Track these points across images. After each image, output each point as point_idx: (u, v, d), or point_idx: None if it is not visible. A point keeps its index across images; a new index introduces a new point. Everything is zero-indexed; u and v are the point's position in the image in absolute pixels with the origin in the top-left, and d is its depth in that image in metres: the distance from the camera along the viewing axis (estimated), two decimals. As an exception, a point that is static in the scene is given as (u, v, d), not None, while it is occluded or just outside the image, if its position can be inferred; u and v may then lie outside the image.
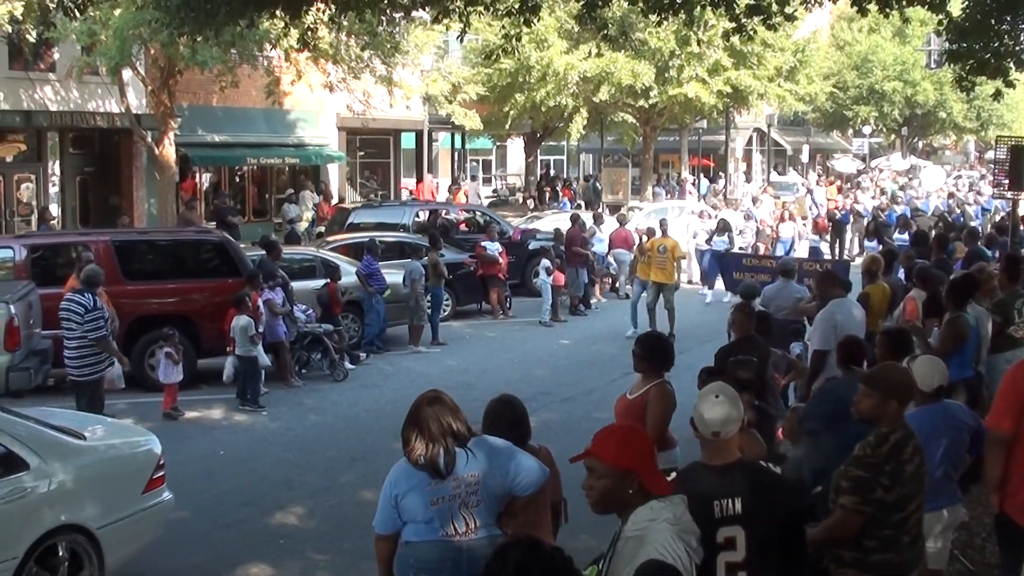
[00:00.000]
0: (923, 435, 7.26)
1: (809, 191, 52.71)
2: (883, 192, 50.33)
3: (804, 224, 42.04)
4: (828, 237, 41.94)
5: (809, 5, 18.80)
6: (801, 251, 34.36)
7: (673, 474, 6.21)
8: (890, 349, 9.82)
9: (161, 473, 11.01)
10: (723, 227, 31.95)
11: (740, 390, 9.53)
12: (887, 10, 17.28)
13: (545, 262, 27.20)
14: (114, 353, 15.88)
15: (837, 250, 39.64)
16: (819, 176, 69.73)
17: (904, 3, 17.60)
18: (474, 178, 59.74)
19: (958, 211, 41.34)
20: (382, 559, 7.19)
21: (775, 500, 6.00)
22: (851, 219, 41.18)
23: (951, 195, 50.37)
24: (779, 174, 69.08)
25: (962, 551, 10.02)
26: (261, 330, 19.07)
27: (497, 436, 7.36)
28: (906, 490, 6.80)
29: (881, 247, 25.14)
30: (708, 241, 32.06)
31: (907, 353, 9.62)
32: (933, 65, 59.95)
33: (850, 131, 78.06)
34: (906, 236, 29.21)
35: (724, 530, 5.83)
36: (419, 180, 51.80)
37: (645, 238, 26.71)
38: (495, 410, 7.75)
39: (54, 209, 35.03)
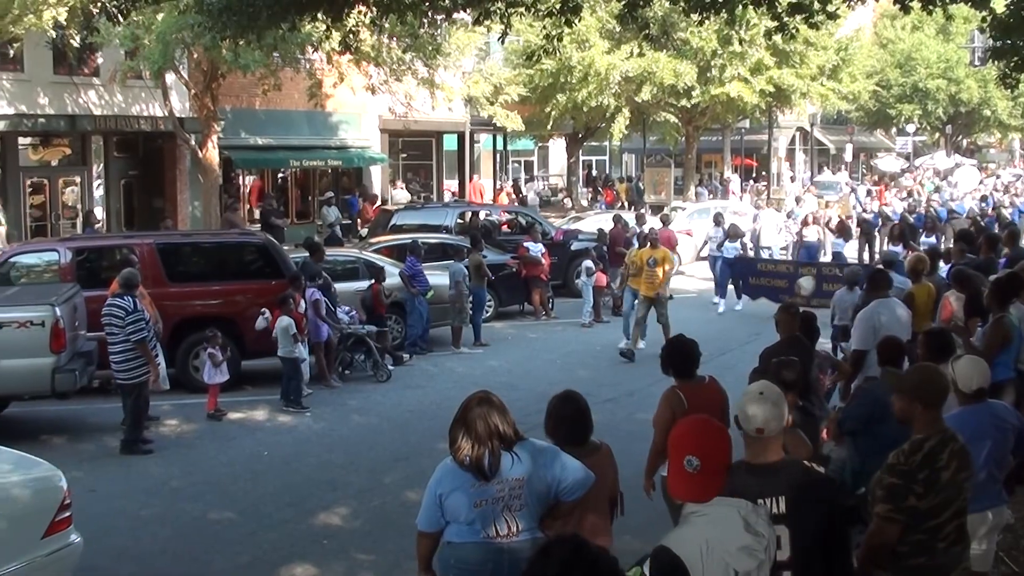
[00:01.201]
0: (966, 437, 7.18)
1: (853, 190, 52.35)
2: (910, 194, 47.97)
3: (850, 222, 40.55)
4: (857, 241, 39.20)
5: (851, 3, 18.65)
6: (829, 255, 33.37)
7: None
8: (931, 349, 9.76)
9: (67, 514, 9.57)
10: (734, 233, 30.20)
11: (785, 390, 9.56)
12: (930, 7, 17.12)
13: (587, 263, 27.14)
14: (148, 358, 15.94)
15: (867, 256, 37.24)
16: (873, 178, 69.06)
17: (947, 0, 17.47)
18: (533, 179, 59.62)
19: (992, 214, 39.27)
20: (422, 556, 7.21)
21: (819, 500, 5.96)
22: (880, 222, 39.04)
23: (984, 197, 48.37)
24: (832, 174, 68.56)
25: (1007, 553, 9.93)
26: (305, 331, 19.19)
27: (560, 433, 7.37)
28: (941, 497, 6.72)
29: (908, 252, 24.80)
30: (719, 247, 30.44)
31: (949, 354, 9.54)
32: (977, 62, 59.69)
33: (893, 130, 77.64)
34: (933, 240, 28.76)
35: None
36: (470, 181, 52.06)
37: (636, 246, 25.75)
38: (557, 407, 7.74)
39: (99, 212, 35.34)
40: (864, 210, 42.87)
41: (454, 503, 6.95)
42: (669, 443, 5.79)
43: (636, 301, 23.31)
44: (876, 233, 38.62)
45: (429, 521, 7.08)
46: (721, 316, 28.06)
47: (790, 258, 33.31)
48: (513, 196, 53.31)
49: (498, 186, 55.10)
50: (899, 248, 26.18)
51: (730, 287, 29.16)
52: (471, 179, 52.40)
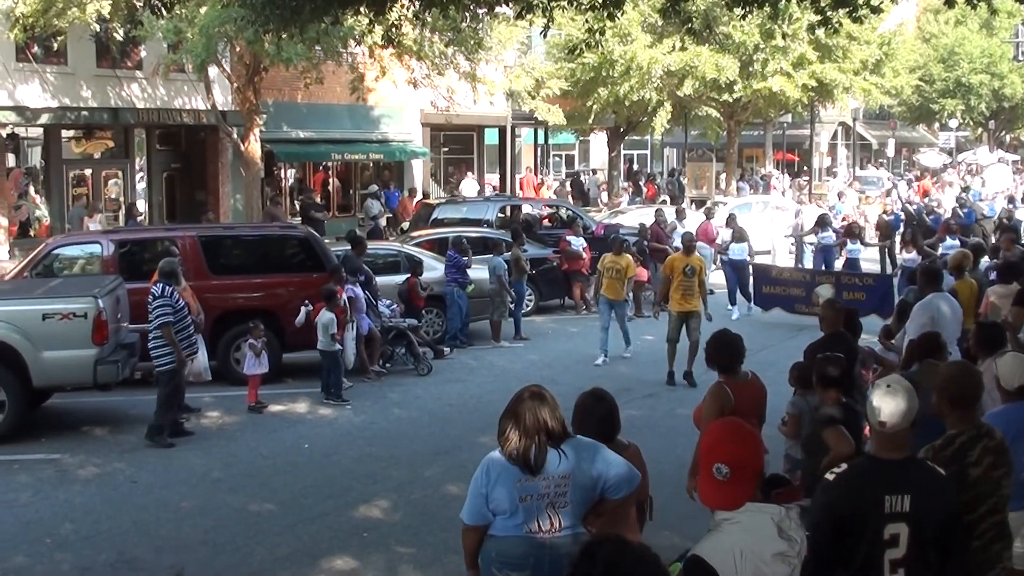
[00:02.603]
0: (1008, 435, 7.13)
1: (894, 186, 51.98)
2: (926, 194, 44.82)
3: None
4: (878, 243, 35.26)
5: (895, -3, 18.58)
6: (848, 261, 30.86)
7: (845, 466, 6.08)
8: (980, 342, 9.72)
9: None
10: (740, 236, 28.42)
11: (827, 387, 9.53)
12: (974, 2, 17.01)
13: (626, 257, 27.10)
14: (172, 343, 15.98)
15: (888, 261, 33.62)
16: (916, 173, 68.47)
17: (992, -6, 17.34)
18: (594, 171, 59.62)
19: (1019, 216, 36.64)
20: (468, 549, 7.18)
21: (943, 500, 5.96)
22: (902, 223, 35.65)
23: (1011, 198, 46.11)
24: (875, 168, 67.94)
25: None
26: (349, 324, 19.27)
27: (586, 430, 7.32)
28: (972, 494, 6.67)
29: (921, 258, 24.04)
30: (725, 250, 28.78)
31: (999, 347, 9.48)
32: (1021, 57, 59.11)
33: (936, 125, 77.17)
34: (956, 242, 26.64)
35: (891, 527, 5.79)
36: (521, 175, 52.18)
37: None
38: (585, 404, 7.68)
39: (141, 205, 35.55)
40: (908, 201, 41.54)
41: (499, 496, 6.91)
42: (701, 448, 5.76)
43: (612, 311, 21.86)
44: (898, 235, 34.21)
45: (473, 514, 7.04)
46: (737, 322, 24.66)
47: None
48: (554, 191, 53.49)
49: (539, 180, 55.02)
50: (912, 255, 25.15)
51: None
52: (524, 172, 52.53)
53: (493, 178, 52.86)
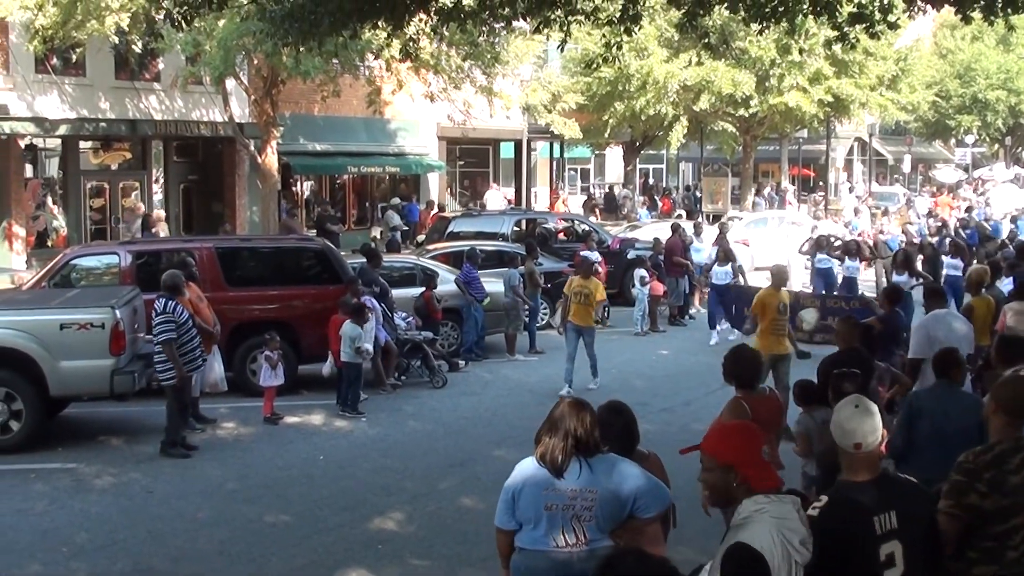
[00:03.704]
0: None
1: (910, 202, 51.81)
2: (930, 214, 42.87)
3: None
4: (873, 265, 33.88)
5: (912, 13, 18.55)
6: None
7: (825, 498, 6.07)
8: (1001, 355, 9.73)
9: None
10: (725, 256, 26.83)
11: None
12: (991, 18, 16.99)
13: (640, 272, 27.11)
14: (173, 359, 16.01)
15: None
16: (931, 189, 68.17)
17: (1009, 11, 17.31)
18: (624, 186, 59.76)
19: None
20: (501, 552, 7.32)
21: (925, 511, 5.98)
22: (903, 244, 33.12)
23: (1014, 218, 43.55)
24: (891, 185, 67.60)
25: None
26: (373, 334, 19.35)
27: (606, 443, 7.37)
28: (1008, 501, 6.64)
29: (914, 281, 23.52)
30: (708, 270, 27.45)
31: (1019, 361, 9.48)
32: (1038, 73, 58.91)
33: (952, 141, 77.08)
34: (959, 262, 26.44)
35: (885, 547, 5.78)
36: (551, 193, 52.40)
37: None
38: (604, 417, 7.67)
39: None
40: (929, 214, 40.25)
41: (526, 500, 7.04)
42: (735, 447, 5.78)
43: (580, 338, 20.38)
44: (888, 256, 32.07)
45: (502, 518, 7.19)
46: (713, 348, 23.87)
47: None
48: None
49: (556, 194, 55.16)
50: (904, 278, 23.73)
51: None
52: (552, 191, 52.72)
53: (509, 191, 52.96)
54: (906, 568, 5.78)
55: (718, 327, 25.89)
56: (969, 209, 47.36)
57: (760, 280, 31.49)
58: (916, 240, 32.82)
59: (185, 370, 16.10)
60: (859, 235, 35.27)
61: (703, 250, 30.24)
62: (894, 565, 5.76)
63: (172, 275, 16.66)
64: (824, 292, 27.40)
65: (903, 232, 35.97)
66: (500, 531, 7.24)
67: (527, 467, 7.14)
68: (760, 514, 5.40)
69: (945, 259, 28.23)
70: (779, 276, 18.47)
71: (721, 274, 26.41)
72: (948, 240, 31.28)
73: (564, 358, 20.44)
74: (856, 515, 5.74)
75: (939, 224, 39.08)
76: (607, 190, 61.08)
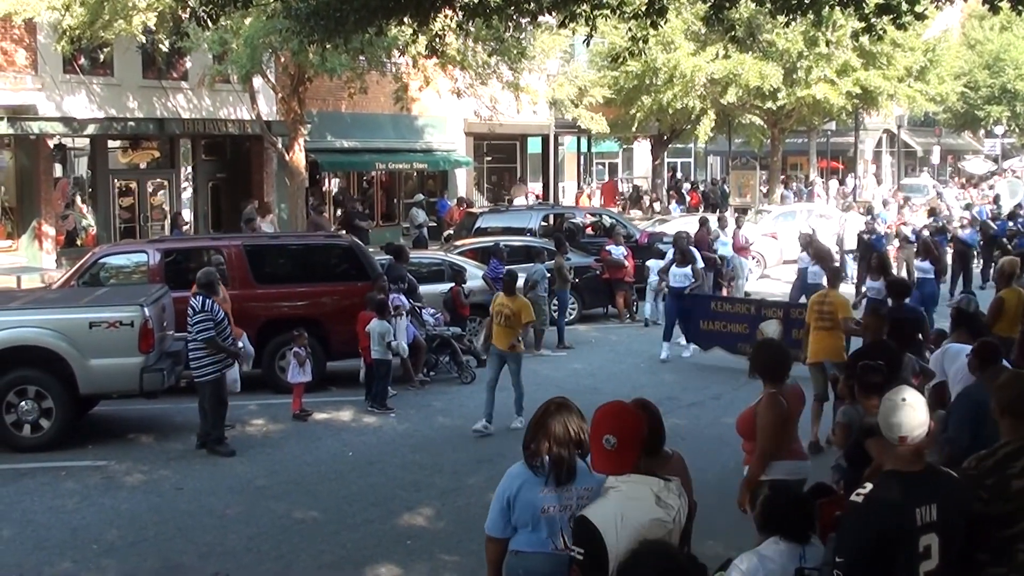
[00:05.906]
0: None
1: (939, 193, 51.40)
2: (933, 212, 40.71)
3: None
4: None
5: (939, 3, 18.37)
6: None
7: (870, 486, 5.99)
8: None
9: None
10: (683, 256, 23.63)
11: (869, 394, 9.49)
12: (1020, 7, 16.85)
13: (650, 263, 27.03)
14: (228, 352, 16.14)
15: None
16: (961, 181, 67.65)
17: (1038, 0, 17.18)
18: (690, 180, 59.75)
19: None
20: (490, 561, 7.21)
21: (964, 506, 5.95)
22: (897, 244, 32.95)
23: (1012, 215, 39.30)
24: (918, 176, 67.18)
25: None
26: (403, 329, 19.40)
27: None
28: (1013, 505, 6.55)
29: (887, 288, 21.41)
30: (663, 272, 24.64)
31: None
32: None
33: (981, 131, 76.64)
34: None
35: (924, 538, 5.79)
36: (579, 189, 52.49)
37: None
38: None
39: (187, 214, 35.75)
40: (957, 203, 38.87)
41: (521, 506, 6.94)
42: (591, 426, 6.34)
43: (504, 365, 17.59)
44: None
45: (495, 525, 7.08)
46: (663, 365, 22.47)
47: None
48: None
49: (581, 188, 55.14)
50: (879, 283, 20.65)
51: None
52: (580, 188, 52.74)
53: (536, 187, 52.96)
54: (940, 561, 5.77)
55: (672, 339, 23.18)
56: (968, 207, 43.84)
57: (785, 275, 31.57)
58: (911, 239, 31.75)
59: (224, 364, 16.19)
60: (888, 227, 34.84)
61: (728, 244, 30.14)
62: (930, 557, 5.76)
63: (207, 273, 16.67)
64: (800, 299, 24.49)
65: (896, 233, 34.23)
66: (492, 539, 7.13)
67: (519, 472, 7.05)
68: (613, 492, 6.07)
69: (916, 261, 26.44)
70: (509, 283, 17.81)
71: (678, 277, 23.41)
72: (920, 240, 28.64)
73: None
74: (897, 506, 5.74)
75: (968, 218, 37.94)
76: (631, 188, 61.17)
